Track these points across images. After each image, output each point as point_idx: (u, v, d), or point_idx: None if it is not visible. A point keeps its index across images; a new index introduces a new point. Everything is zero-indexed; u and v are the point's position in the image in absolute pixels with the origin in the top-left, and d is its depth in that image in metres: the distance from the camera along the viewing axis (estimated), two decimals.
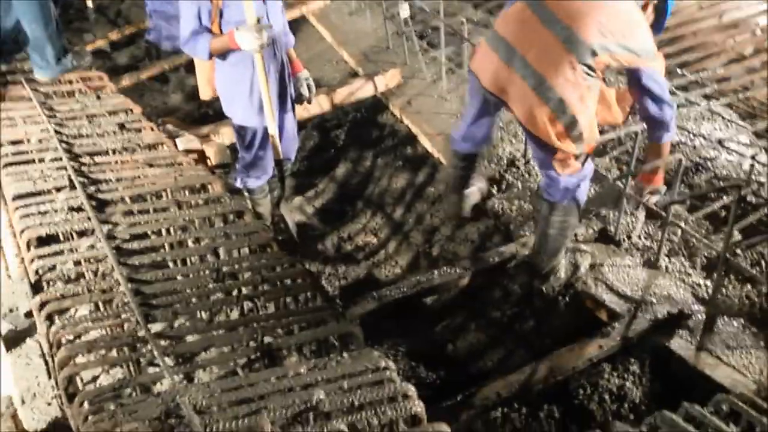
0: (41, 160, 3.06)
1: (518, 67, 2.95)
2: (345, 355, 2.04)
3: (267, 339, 2.12)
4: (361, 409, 1.85)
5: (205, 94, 3.86)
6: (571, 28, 2.87)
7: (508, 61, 2.98)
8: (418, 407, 1.87)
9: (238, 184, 4.01)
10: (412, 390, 1.92)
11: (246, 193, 4.06)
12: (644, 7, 3.03)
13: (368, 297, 3.18)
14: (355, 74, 5.35)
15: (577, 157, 3.07)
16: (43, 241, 2.59)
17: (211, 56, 3.49)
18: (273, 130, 3.63)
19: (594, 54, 2.86)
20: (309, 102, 4.00)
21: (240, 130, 3.78)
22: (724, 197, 3.67)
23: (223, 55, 3.52)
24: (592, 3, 2.90)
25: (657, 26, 3.11)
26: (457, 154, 3.51)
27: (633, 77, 3.02)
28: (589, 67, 2.88)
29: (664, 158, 3.24)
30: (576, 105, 2.92)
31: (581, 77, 2.89)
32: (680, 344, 2.94)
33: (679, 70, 5.13)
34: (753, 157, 3.84)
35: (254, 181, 3.96)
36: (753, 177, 3.73)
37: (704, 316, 3.00)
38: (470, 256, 3.67)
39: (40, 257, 2.47)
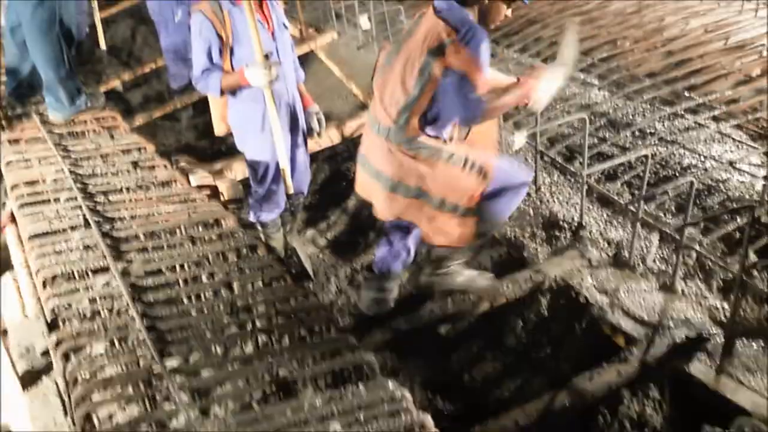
0: (56, 200, 3.10)
1: (367, 169, 3.19)
2: (360, 386, 2.03)
3: (282, 372, 2.11)
4: None
5: (219, 131, 3.92)
6: (378, 119, 3.02)
7: (363, 165, 3.24)
8: None
9: (252, 218, 4.04)
10: (428, 420, 1.90)
11: (259, 227, 4.09)
12: (482, 4, 2.89)
13: (383, 327, 3.17)
14: (364, 107, 5.39)
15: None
16: (58, 279, 2.61)
17: (222, 93, 3.54)
18: (284, 164, 3.66)
19: (401, 129, 2.93)
20: (320, 135, 4.06)
21: (253, 165, 3.83)
22: (738, 219, 3.65)
23: (234, 91, 3.58)
24: (385, 79, 3.00)
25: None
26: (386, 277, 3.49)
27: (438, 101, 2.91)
28: (410, 140, 2.94)
29: (507, 101, 2.94)
30: (419, 181, 3.00)
31: (410, 156, 2.97)
32: (699, 368, 2.91)
33: (687, 93, 5.15)
34: (765, 178, 3.83)
35: (267, 215, 4.00)
36: (766, 197, 3.72)
37: (723, 339, 2.97)
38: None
39: (56, 296, 2.48)
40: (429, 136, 2.96)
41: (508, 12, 2.97)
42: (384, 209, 3.19)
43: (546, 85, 2.88)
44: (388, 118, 2.98)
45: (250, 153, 3.80)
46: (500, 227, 3.43)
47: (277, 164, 3.73)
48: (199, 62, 3.51)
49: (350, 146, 5.27)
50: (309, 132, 3.93)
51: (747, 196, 3.93)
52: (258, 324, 2.38)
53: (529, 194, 4.10)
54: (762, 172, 4.12)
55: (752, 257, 3.39)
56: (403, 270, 3.53)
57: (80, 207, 2.98)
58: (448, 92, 2.84)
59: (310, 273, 4.09)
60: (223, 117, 3.80)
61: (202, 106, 6.41)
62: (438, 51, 2.79)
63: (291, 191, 3.77)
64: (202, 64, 3.50)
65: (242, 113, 3.69)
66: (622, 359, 2.93)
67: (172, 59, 5.75)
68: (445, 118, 2.95)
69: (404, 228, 3.35)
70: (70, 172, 3.28)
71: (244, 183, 4.44)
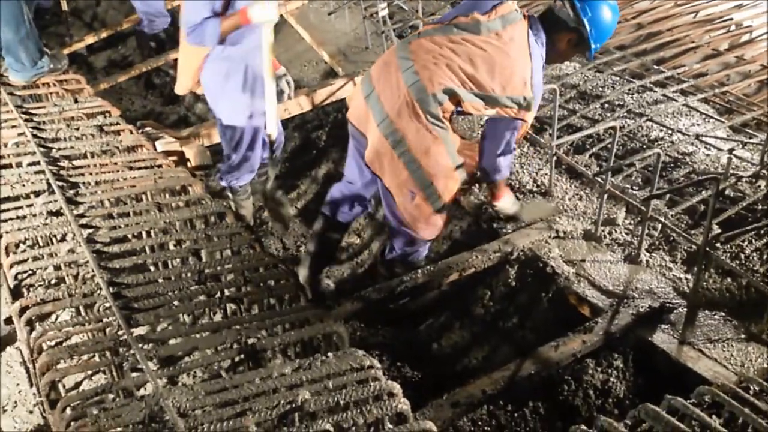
0: (18, 165, 3.02)
1: (372, 104, 3.05)
2: (329, 355, 2.03)
3: (251, 341, 2.11)
4: (346, 408, 1.85)
5: (183, 88, 3.85)
6: (418, 73, 2.92)
7: (366, 97, 3.09)
8: (404, 405, 1.87)
9: (224, 183, 4.01)
10: (397, 388, 1.92)
11: (230, 194, 4.05)
12: (559, 41, 3.06)
13: (352, 297, 3.17)
14: (334, 74, 5.34)
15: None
16: (21, 246, 2.56)
17: (220, 41, 3.48)
18: (272, 129, 3.68)
19: (438, 102, 2.92)
20: (290, 98, 4.02)
21: (227, 130, 3.79)
22: (703, 191, 3.71)
23: (218, 47, 3.53)
24: (452, 46, 2.93)
25: (586, 56, 3.17)
26: (329, 221, 3.57)
27: (490, 123, 3.10)
28: (435, 116, 2.94)
29: (501, 185, 3.40)
30: (417, 149, 2.99)
31: (426, 124, 2.95)
32: (662, 338, 2.97)
33: (656, 66, 5.18)
34: (731, 151, 3.89)
35: (239, 181, 3.98)
36: (731, 171, 3.78)
37: (686, 310, 3.03)
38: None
39: (19, 262, 2.44)
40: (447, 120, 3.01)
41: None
42: (374, 155, 3.12)
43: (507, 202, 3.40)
44: (431, 85, 2.91)
45: (225, 117, 3.74)
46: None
47: (253, 130, 3.70)
48: (198, 13, 3.40)
49: (320, 114, 5.22)
50: (279, 96, 3.88)
51: (712, 169, 3.98)
52: (226, 292, 2.37)
53: None
54: (727, 146, 4.18)
55: (716, 229, 3.45)
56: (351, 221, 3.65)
57: (43, 172, 2.92)
58: (498, 136, 3.07)
59: (288, 223, 4.16)
60: (194, 73, 3.70)
61: (168, 70, 6.30)
62: (524, 105, 2.97)
63: (274, 137, 3.75)
64: (203, 15, 3.39)
65: (221, 71, 3.62)
66: (587, 329, 2.98)
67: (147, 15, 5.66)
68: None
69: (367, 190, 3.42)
70: (33, 135, 3.20)
71: (212, 149, 4.39)
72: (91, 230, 2.59)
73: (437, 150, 3.01)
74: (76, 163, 3.06)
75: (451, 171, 3.09)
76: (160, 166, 3.12)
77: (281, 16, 6.15)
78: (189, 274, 2.41)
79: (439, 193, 3.11)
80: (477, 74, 2.91)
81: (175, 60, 5.71)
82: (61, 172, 2.96)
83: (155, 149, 3.61)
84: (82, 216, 2.66)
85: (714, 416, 1.94)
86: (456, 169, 3.11)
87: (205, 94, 3.81)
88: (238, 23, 3.40)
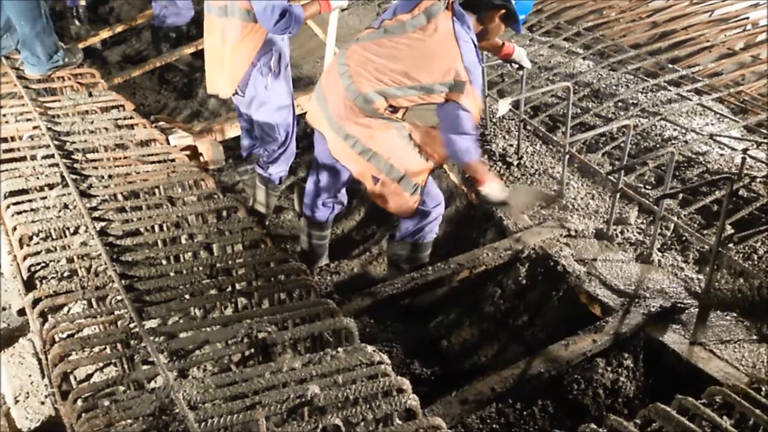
0: (33, 158, 3.04)
1: (322, 106, 3.31)
2: (339, 350, 2.03)
3: (261, 335, 2.11)
4: (355, 403, 1.85)
5: (227, 92, 4.06)
6: (351, 77, 3.16)
7: (318, 100, 3.35)
8: (413, 401, 1.87)
9: (265, 174, 4.29)
10: (406, 384, 1.92)
11: (263, 185, 4.34)
12: (489, 20, 3.16)
13: (363, 293, 3.18)
14: None
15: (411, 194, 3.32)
16: (35, 238, 2.58)
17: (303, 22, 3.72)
18: None
19: (371, 101, 3.12)
20: None
21: (279, 127, 4.09)
22: (716, 191, 3.68)
23: (277, 38, 3.82)
24: (379, 50, 3.13)
25: (515, 28, 3.25)
26: (315, 225, 3.78)
27: (438, 110, 3.16)
28: (372, 111, 3.15)
29: (477, 168, 3.37)
30: (365, 138, 3.21)
31: (365, 118, 3.17)
32: (673, 338, 2.95)
33: (670, 65, 5.15)
34: (745, 151, 3.87)
35: (280, 172, 4.31)
36: (744, 171, 3.76)
37: (697, 310, 3.01)
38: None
39: (32, 254, 2.45)
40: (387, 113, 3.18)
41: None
42: (335, 150, 3.34)
43: (493, 188, 3.34)
44: (362, 88, 3.13)
45: (275, 108, 4.01)
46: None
47: (293, 122, 4.09)
48: (281, 3, 3.56)
49: None
50: None
51: (726, 169, 3.96)
52: (237, 287, 2.38)
53: (510, 164, 4.10)
54: (741, 146, 4.15)
55: (729, 230, 3.43)
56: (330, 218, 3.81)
57: (57, 165, 2.93)
58: (446, 119, 3.13)
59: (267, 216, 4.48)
60: (245, 72, 3.88)
61: (182, 65, 6.32)
62: (457, 87, 3.02)
63: None
64: (284, 2, 3.57)
65: (285, 89, 3.98)
66: (597, 328, 2.97)
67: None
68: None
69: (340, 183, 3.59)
70: (48, 129, 3.22)
71: (225, 144, 4.41)
72: (103, 223, 2.60)
73: (384, 134, 3.20)
74: (90, 156, 3.08)
75: (406, 149, 3.23)
76: (173, 160, 3.13)
77: None
78: (200, 268, 2.42)
79: (400, 170, 3.25)
80: (405, 70, 3.07)
81: (194, 54, 5.76)
82: (75, 165, 2.98)
83: (168, 144, 3.62)
84: (95, 209, 2.67)
85: (725, 417, 1.93)
86: (413, 148, 3.25)
87: (245, 92, 3.96)
88: (318, 10, 3.58)
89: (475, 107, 3.10)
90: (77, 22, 6.49)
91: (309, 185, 3.68)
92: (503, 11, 3.13)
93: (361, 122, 3.19)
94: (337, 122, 3.25)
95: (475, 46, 3.09)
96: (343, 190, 3.66)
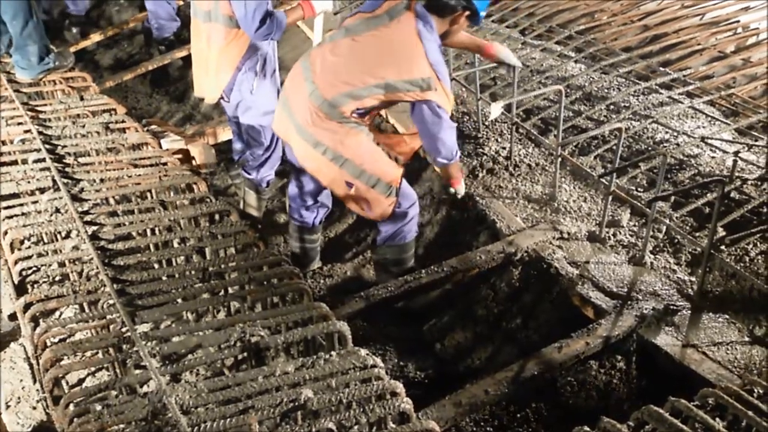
0: (24, 161, 3.03)
1: (288, 113, 3.27)
2: (333, 353, 2.03)
3: (254, 338, 2.11)
4: (349, 407, 1.85)
5: (215, 93, 4.01)
6: (315, 82, 3.14)
7: (283, 107, 3.32)
8: (407, 404, 1.87)
9: (253, 176, 4.27)
10: (400, 387, 1.92)
11: (252, 190, 4.33)
12: (455, 20, 3.14)
13: (356, 296, 3.17)
14: None
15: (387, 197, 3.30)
16: (26, 242, 2.57)
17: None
18: None
19: (337, 105, 3.10)
20: None
21: (264, 133, 4.06)
22: (708, 194, 3.70)
23: (264, 70, 3.86)
24: (340, 51, 3.13)
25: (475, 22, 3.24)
26: (303, 229, 3.75)
27: (411, 111, 3.15)
28: (338, 116, 3.12)
29: (452, 172, 3.43)
30: (335, 144, 3.17)
31: (332, 123, 3.14)
32: (666, 340, 2.96)
33: (662, 68, 5.17)
34: (736, 154, 3.88)
35: (268, 175, 4.29)
36: (736, 173, 3.77)
37: (690, 312, 3.02)
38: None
39: (24, 258, 2.44)
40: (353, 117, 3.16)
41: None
42: (302, 158, 3.33)
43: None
44: (327, 92, 3.10)
45: (262, 112, 3.97)
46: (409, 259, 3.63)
47: None
48: (262, 6, 3.54)
49: None
50: None
51: (717, 172, 3.98)
52: (230, 290, 2.37)
53: (501, 164, 4.10)
54: (733, 149, 4.17)
55: (721, 232, 3.44)
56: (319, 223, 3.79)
57: (49, 169, 2.92)
58: (423, 121, 3.10)
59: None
60: (230, 77, 3.87)
61: (171, 68, 6.31)
62: (425, 84, 3.00)
63: None
64: (266, 7, 3.56)
65: (272, 90, 3.93)
66: (590, 330, 2.97)
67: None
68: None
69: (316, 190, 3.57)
70: (39, 132, 3.21)
71: (217, 148, 4.40)
72: (95, 227, 2.59)
73: (354, 140, 3.18)
74: (82, 160, 3.07)
75: (377, 152, 3.23)
76: (165, 164, 3.12)
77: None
78: (193, 272, 2.41)
79: (373, 175, 3.23)
80: (369, 66, 3.06)
81: (182, 59, 5.75)
82: (67, 169, 2.97)
83: (160, 147, 3.62)
84: (86, 213, 2.67)
85: (717, 419, 1.93)
86: (383, 151, 3.24)
87: (230, 97, 3.94)
88: (302, 15, 3.58)
89: (446, 102, 3.07)
90: (73, 29, 6.46)
91: (291, 190, 3.67)
92: (467, 10, 3.11)
93: (329, 128, 3.15)
94: (306, 130, 3.20)
95: (438, 45, 3.07)
96: (326, 192, 3.62)
